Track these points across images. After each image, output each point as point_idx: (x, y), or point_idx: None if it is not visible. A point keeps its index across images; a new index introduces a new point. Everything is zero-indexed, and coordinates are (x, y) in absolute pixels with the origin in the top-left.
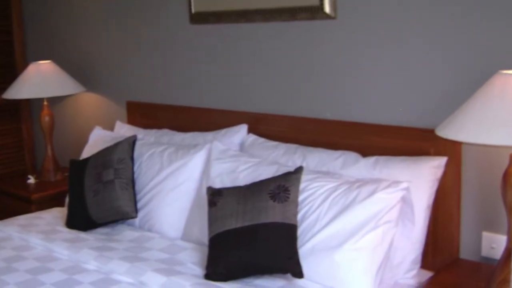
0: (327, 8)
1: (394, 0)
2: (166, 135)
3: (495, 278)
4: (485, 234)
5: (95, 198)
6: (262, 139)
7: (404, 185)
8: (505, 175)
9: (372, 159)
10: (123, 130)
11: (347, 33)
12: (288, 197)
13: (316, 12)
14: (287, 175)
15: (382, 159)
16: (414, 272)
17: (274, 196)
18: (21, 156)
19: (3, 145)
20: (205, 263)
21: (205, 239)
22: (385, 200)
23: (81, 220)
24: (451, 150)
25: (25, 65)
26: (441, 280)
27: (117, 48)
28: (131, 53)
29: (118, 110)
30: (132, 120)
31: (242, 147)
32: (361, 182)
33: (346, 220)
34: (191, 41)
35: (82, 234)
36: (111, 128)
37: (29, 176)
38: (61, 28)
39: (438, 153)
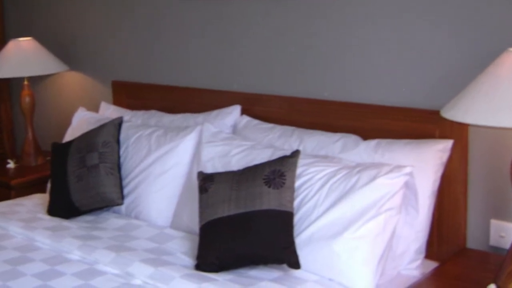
0: None
1: None
2: (154, 116)
3: (504, 269)
4: (494, 222)
5: (79, 183)
6: (256, 121)
7: (407, 169)
8: None
9: (373, 142)
10: (109, 111)
11: (346, 7)
12: (284, 183)
13: None
14: (283, 159)
15: (384, 142)
16: (418, 262)
17: (269, 182)
18: (0, 140)
19: None
20: (195, 252)
21: (196, 227)
22: (387, 185)
23: (63, 207)
24: (457, 133)
25: (4, 42)
26: (446, 271)
27: (102, 24)
28: (117, 30)
29: (103, 90)
30: (118, 101)
31: (235, 130)
32: (362, 167)
33: (346, 207)
34: (181, 17)
35: (64, 222)
36: (95, 109)
37: (9, 161)
38: (43, 2)
39: (443, 136)
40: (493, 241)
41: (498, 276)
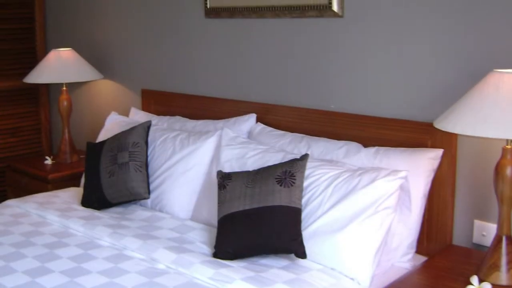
0: (335, 7)
1: (397, 1)
2: (179, 121)
3: (485, 263)
4: (477, 222)
5: (110, 179)
6: (269, 128)
7: (403, 173)
8: (497, 167)
9: (373, 149)
10: (138, 116)
11: (353, 30)
12: (293, 182)
13: (324, 10)
14: (293, 162)
15: (382, 149)
16: (409, 256)
17: (280, 181)
18: (39, 138)
19: (21, 127)
20: (213, 242)
21: (213, 220)
22: (384, 187)
23: (96, 200)
24: (447, 143)
25: (45, 52)
26: (434, 264)
27: (134, 38)
28: (147, 44)
29: (133, 97)
30: (147, 107)
31: (250, 135)
32: (363, 170)
33: (348, 206)
34: (205, 34)
35: (96, 213)
36: (126, 114)
37: (46, 157)
38: (81, 17)
39: (435, 145)
40: (476, 239)
41: (480, 269)
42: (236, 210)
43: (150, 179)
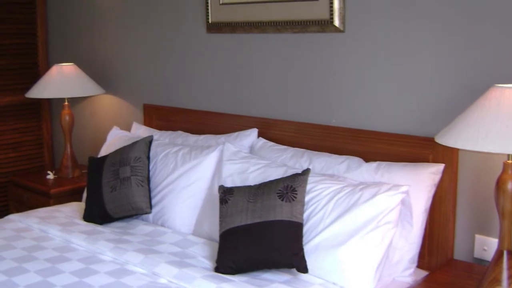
0: (336, 22)
1: (398, 16)
2: (180, 136)
3: (486, 278)
4: (478, 237)
5: (112, 193)
6: (271, 143)
7: (404, 188)
8: (498, 181)
9: (374, 164)
10: (140, 131)
11: (354, 45)
12: (295, 197)
13: (326, 25)
14: (294, 177)
15: (383, 164)
16: (411, 270)
17: (282, 196)
18: (41, 153)
19: (24, 142)
20: (215, 257)
21: (215, 235)
22: (386, 202)
23: (97, 214)
24: (449, 157)
25: (47, 67)
26: (436, 279)
27: (136, 53)
28: (149, 59)
29: (135, 112)
30: (148, 122)
31: (252, 150)
32: (364, 185)
33: (349, 220)
34: (207, 49)
35: (98, 227)
36: (127, 129)
37: (48, 172)
38: (83, 32)
39: (436, 160)
40: (477, 253)
41: (481, 284)
42: (237, 225)
43: (152, 194)
